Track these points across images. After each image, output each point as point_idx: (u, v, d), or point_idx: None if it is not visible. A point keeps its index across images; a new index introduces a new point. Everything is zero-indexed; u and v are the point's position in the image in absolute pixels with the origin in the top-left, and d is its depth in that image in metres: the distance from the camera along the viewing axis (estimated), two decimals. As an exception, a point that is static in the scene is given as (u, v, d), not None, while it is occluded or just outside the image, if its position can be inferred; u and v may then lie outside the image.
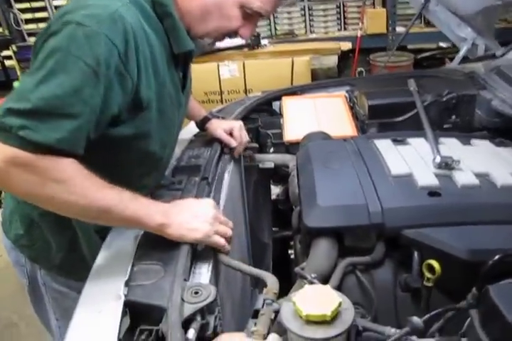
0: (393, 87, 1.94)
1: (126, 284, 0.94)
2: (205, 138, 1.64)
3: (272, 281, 1.01)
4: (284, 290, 1.06)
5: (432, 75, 2.08)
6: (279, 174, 1.89)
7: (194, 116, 1.63)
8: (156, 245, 1.04)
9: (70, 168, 0.94)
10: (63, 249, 1.25)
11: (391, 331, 0.92)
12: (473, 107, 1.75)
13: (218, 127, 1.58)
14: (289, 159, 1.76)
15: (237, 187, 1.68)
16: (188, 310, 0.86)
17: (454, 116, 1.78)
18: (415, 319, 0.88)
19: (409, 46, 4.80)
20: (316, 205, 1.15)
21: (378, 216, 1.11)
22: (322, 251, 1.10)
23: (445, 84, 1.84)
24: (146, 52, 1.05)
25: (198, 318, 0.87)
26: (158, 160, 1.25)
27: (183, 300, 0.88)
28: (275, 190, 2.13)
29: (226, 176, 1.47)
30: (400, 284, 1.12)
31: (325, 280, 1.06)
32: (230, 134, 1.58)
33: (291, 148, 1.81)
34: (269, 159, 1.81)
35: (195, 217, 1.05)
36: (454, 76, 2.00)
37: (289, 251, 1.69)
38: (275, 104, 2.20)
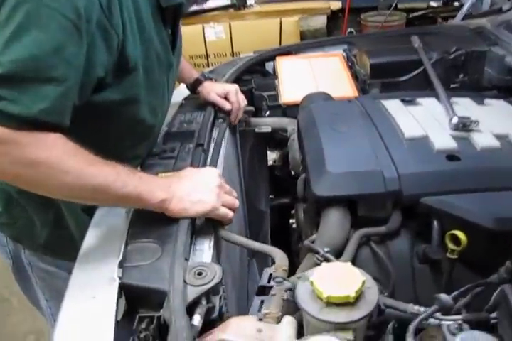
0: (395, 44, 1.82)
1: (120, 265, 0.83)
2: (197, 101, 1.51)
3: (280, 257, 0.91)
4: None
5: (435, 32, 1.95)
6: (276, 139, 1.79)
7: (184, 78, 1.49)
8: (151, 220, 0.93)
9: (58, 144, 0.81)
10: (48, 227, 1.13)
11: (414, 308, 0.84)
12: (482, 65, 1.63)
13: (212, 91, 1.45)
14: (287, 122, 1.65)
15: (232, 154, 1.57)
16: (192, 293, 0.76)
17: (461, 75, 1.67)
18: (444, 296, 0.80)
19: (399, 5, 4.62)
20: (325, 172, 1.04)
21: (395, 183, 1.01)
22: (334, 222, 1.01)
23: (452, 41, 1.71)
24: (128, 3, 0.92)
25: (203, 302, 0.77)
26: (151, 128, 1.13)
27: (185, 282, 0.78)
28: (271, 156, 2.03)
29: (222, 143, 1.35)
30: (417, 255, 1.03)
31: (338, 254, 0.97)
32: (225, 99, 1.46)
33: (289, 110, 1.70)
34: (266, 123, 1.69)
35: (197, 187, 0.94)
36: (459, 32, 1.87)
37: (290, 221, 1.60)
38: (268, 65, 2.07)
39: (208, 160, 1.21)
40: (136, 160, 1.12)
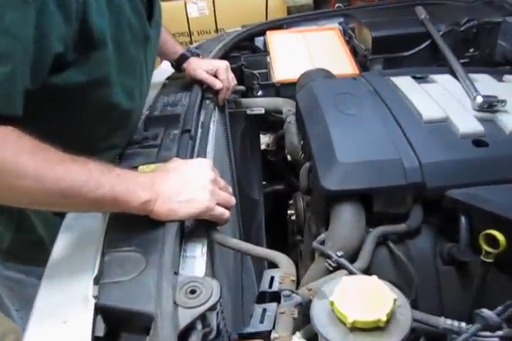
0: (398, 16, 1.67)
1: (96, 281, 0.68)
2: (182, 80, 1.35)
3: (286, 264, 0.76)
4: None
5: (440, 2, 1.80)
6: (269, 121, 1.64)
7: (167, 54, 1.32)
8: (133, 223, 0.77)
9: (9, 140, 0.64)
10: (11, 230, 0.97)
11: (447, 323, 0.72)
12: (495, 37, 1.49)
13: (199, 67, 1.29)
14: (281, 103, 1.50)
15: (221, 139, 1.42)
16: (185, 317, 0.62)
17: (472, 49, 1.52)
18: (487, 313, 0.68)
19: (391, -22, 4.45)
20: (335, 162, 0.90)
21: (416, 173, 0.87)
22: (346, 219, 0.87)
23: (460, 11, 1.57)
24: None
25: (198, 326, 0.63)
26: (127, 114, 0.96)
27: (176, 304, 0.63)
28: (264, 140, 1.88)
29: (212, 127, 1.20)
30: (441, 255, 0.90)
31: (353, 257, 0.84)
32: (214, 77, 1.30)
33: (283, 89, 1.56)
34: (258, 104, 1.54)
35: (187, 184, 0.78)
36: (467, 1, 1.73)
37: (288, 212, 1.46)
38: (258, 40, 1.90)
39: (196, 148, 1.05)
40: (113, 150, 0.97)
